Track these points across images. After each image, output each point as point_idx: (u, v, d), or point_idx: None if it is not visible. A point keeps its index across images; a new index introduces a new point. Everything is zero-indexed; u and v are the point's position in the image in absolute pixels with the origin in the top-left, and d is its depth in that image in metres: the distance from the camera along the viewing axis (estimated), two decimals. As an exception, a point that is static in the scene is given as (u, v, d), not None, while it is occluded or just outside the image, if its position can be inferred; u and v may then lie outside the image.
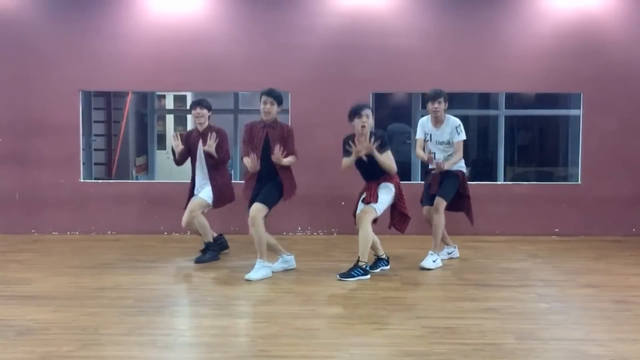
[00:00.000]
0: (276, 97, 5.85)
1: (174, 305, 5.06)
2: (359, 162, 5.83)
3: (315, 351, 3.91)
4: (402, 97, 9.41)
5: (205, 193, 6.52)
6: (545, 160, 10.91)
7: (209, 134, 6.39)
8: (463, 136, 6.22)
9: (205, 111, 6.52)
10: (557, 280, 5.79)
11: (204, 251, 6.53)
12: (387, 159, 5.78)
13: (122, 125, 11.16)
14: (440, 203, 6.17)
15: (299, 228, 8.15)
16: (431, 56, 7.85)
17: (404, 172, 9.03)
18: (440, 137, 6.25)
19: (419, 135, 6.40)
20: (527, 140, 11.24)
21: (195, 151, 6.55)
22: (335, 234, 8.10)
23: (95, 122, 10.33)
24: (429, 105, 6.23)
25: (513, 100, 9.75)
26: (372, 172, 5.87)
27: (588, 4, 8.05)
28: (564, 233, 8.08)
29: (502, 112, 8.50)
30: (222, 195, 6.57)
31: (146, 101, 11.04)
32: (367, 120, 5.71)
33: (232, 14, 8.10)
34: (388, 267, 6.11)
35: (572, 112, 8.75)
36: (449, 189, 6.23)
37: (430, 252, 6.22)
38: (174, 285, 5.69)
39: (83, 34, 8.04)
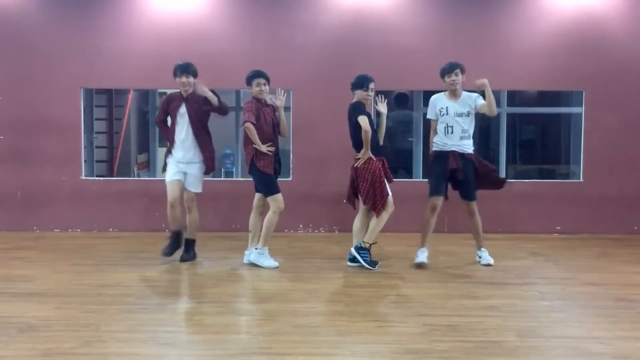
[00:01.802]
0: (268, 78, 6.18)
1: (176, 303, 5.07)
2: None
3: (317, 348, 3.91)
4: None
5: (192, 182, 6.27)
6: (547, 158, 10.87)
7: (194, 97, 6.20)
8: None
9: (191, 79, 6.23)
10: (558, 278, 5.79)
11: (187, 249, 6.37)
12: None
13: (124, 123, 11.15)
14: (474, 204, 6.19)
15: (301, 226, 8.15)
16: (433, 54, 7.83)
17: (407, 169, 9.04)
18: (460, 109, 6.10)
19: (431, 116, 6.28)
20: (529, 138, 11.21)
21: (175, 116, 6.20)
22: (336, 232, 8.10)
23: (96, 119, 10.34)
24: (446, 79, 6.12)
25: (515, 98, 9.73)
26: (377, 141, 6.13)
27: (590, 1, 8.04)
28: (565, 231, 8.07)
29: (504, 110, 8.48)
30: (212, 164, 6.38)
31: (148, 98, 11.03)
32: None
33: (234, 12, 8.09)
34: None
35: (574, 109, 8.73)
36: (471, 185, 6.14)
37: (483, 248, 6.34)
38: (176, 282, 5.69)
39: (85, 32, 8.04)
